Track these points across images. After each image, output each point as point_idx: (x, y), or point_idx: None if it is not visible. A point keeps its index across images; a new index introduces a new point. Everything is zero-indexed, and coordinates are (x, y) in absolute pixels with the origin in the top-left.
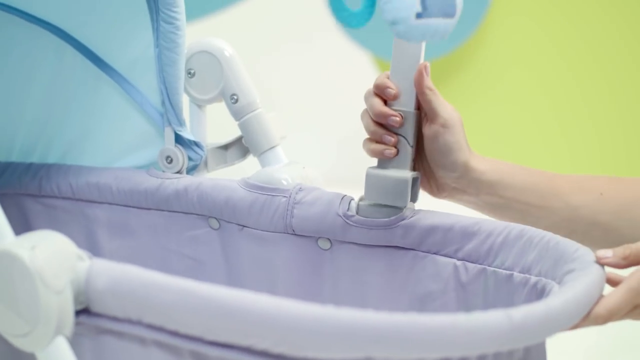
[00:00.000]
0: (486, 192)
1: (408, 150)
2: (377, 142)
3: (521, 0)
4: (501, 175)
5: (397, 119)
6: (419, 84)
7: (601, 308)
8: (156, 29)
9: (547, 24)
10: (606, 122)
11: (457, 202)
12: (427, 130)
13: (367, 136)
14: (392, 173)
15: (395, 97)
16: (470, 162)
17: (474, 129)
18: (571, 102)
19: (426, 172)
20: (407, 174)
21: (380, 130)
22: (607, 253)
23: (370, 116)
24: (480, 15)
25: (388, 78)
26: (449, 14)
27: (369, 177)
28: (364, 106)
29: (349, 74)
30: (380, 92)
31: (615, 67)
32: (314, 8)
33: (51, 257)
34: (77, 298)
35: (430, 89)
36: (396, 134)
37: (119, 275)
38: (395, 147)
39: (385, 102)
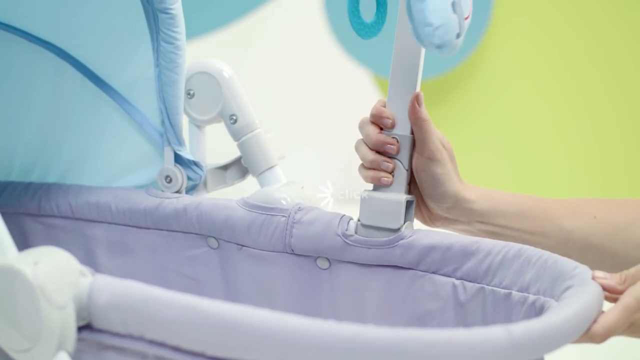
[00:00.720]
0: (478, 220)
1: (403, 174)
2: (374, 169)
3: (520, 18)
4: (492, 204)
5: (394, 146)
6: (413, 116)
7: (599, 327)
8: (156, 49)
9: (546, 43)
10: (609, 141)
11: (452, 230)
12: (416, 161)
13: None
14: (387, 196)
15: (392, 127)
16: (460, 193)
17: (473, 145)
18: (573, 114)
19: (418, 201)
20: (402, 197)
21: (378, 158)
22: (604, 275)
23: (366, 144)
24: (480, 33)
25: (384, 106)
26: (464, 28)
27: (364, 200)
28: (355, 122)
29: (349, 92)
30: (377, 121)
31: (616, 88)
32: (314, 26)
33: (54, 272)
34: (79, 314)
35: (424, 120)
36: (392, 157)
37: (120, 291)
38: (392, 173)
39: (381, 129)
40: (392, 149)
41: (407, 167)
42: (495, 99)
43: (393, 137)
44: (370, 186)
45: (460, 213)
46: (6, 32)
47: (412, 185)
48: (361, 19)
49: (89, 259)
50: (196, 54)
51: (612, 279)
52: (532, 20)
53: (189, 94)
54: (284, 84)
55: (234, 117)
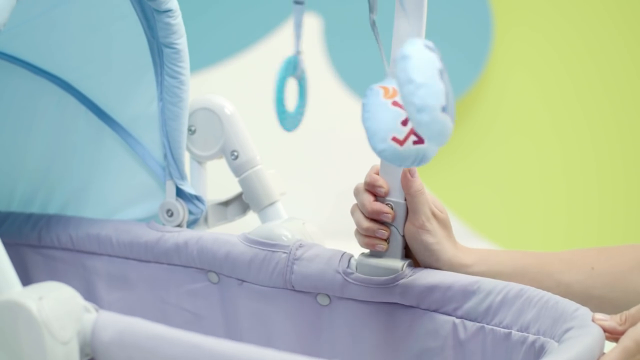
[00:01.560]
0: None
1: (399, 239)
2: (369, 236)
3: (520, 51)
4: (488, 266)
5: (390, 214)
6: (405, 187)
7: None
8: (160, 83)
9: (546, 75)
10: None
11: None
12: (407, 229)
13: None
14: (383, 262)
15: (386, 195)
16: (455, 259)
17: (473, 179)
18: (576, 146)
19: (414, 263)
20: (398, 263)
21: (373, 226)
22: (604, 317)
23: (361, 212)
24: (480, 66)
25: (377, 173)
26: (454, 119)
27: (360, 266)
28: (360, 158)
29: (349, 127)
30: (371, 189)
31: (624, 124)
32: (314, 61)
33: (58, 308)
34: (83, 349)
35: (416, 191)
36: (387, 224)
37: (125, 328)
38: (387, 240)
39: (376, 196)
40: (387, 217)
41: (402, 232)
42: (495, 130)
43: (388, 204)
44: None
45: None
46: (11, 64)
47: (407, 249)
48: (284, 108)
49: (88, 292)
50: (195, 87)
51: (612, 320)
52: (532, 52)
53: (190, 130)
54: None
55: (236, 153)
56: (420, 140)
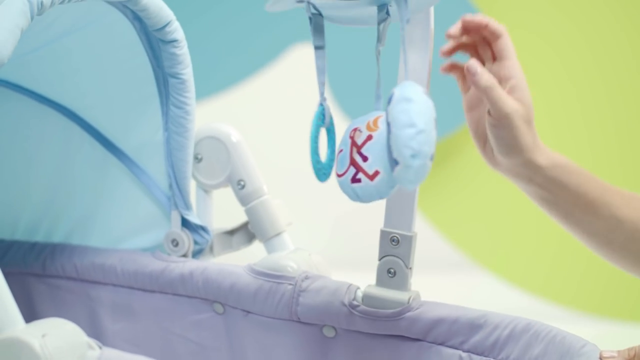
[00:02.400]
0: (539, 185)
1: (405, 272)
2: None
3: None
4: (559, 174)
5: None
6: (477, 87)
7: None
8: (166, 113)
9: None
10: None
11: (509, 180)
12: (488, 121)
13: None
14: (390, 294)
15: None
16: (529, 155)
17: (480, 204)
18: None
19: (486, 148)
20: (405, 295)
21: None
22: (612, 353)
23: None
24: None
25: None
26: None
27: (367, 298)
28: None
29: None
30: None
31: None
32: (313, 91)
33: (62, 345)
34: None
35: (485, 87)
36: (394, 255)
37: None
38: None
39: None
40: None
41: (409, 265)
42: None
43: (394, 237)
44: (372, 278)
45: (524, 173)
46: (15, 92)
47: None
48: (319, 158)
49: (92, 321)
50: (201, 114)
51: (620, 357)
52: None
53: (197, 158)
54: (285, 151)
55: (242, 183)
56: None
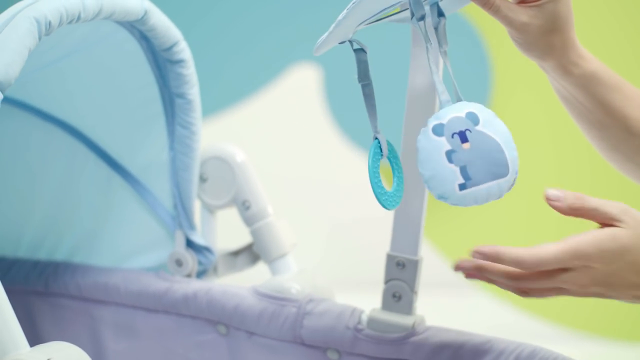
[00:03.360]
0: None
1: (410, 296)
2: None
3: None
4: (599, 73)
5: None
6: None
7: (529, 255)
8: (171, 133)
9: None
10: None
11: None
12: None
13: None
14: (395, 318)
15: None
16: (555, 61)
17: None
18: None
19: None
20: (410, 320)
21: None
22: (558, 194)
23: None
24: None
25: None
26: (500, 174)
27: (371, 322)
28: (361, 208)
29: (347, 176)
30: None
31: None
32: (313, 112)
33: None
34: None
35: (491, 5)
36: (399, 280)
37: None
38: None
39: None
40: None
41: (415, 289)
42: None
43: (400, 261)
44: (377, 301)
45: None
46: (21, 110)
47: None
48: (383, 189)
49: (95, 341)
50: (206, 133)
51: (564, 200)
52: (530, 105)
53: (202, 178)
54: (285, 170)
55: (247, 204)
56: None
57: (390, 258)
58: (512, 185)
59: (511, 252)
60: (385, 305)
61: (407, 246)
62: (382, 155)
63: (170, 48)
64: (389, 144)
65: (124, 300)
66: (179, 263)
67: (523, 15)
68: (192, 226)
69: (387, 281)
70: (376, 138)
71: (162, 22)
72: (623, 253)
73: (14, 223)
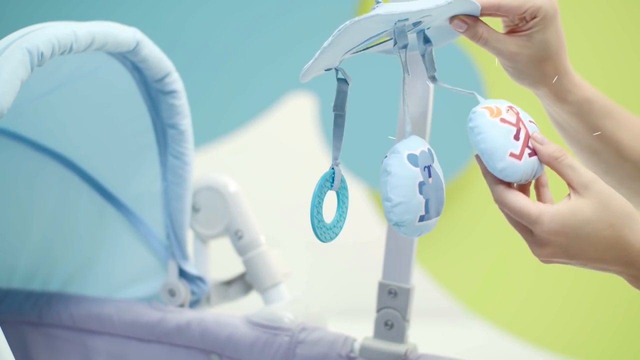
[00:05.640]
0: (573, 108)
1: (403, 325)
2: None
3: None
4: (592, 99)
5: None
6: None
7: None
8: (164, 163)
9: None
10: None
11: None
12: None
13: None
14: (387, 347)
15: None
16: (546, 89)
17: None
18: None
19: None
20: (402, 347)
21: None
22: (543, 138)
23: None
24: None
25: None
26: (439, 212)
27: (364, 350)
28: (359, 236)
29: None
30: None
31: None
32: (308, 141)
33: None
34: None
35: (480, 38)
36: (391, 308)
37: None
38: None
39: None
40: None
41: (407, 318)
42: (492, 208)
43: (392, 289)
44: (369, 328)
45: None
46: (13, 142)
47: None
48: (322, 220)
49: None
50: (198, 163)
51: (546, 146)
52: None
53: (194, 208)
54: (279, 199)
55: (240, 233)
56: (533, 152)
57: (382, 286)
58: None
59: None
60: (378, 334)
61: (399, 274)
62: (332, 187)
63: (162, 79)
64: (342, 179)
65: (118, 330)
66: (172, 293)
67: (512, 45)
68: (184, 256)
69: (379, 309)
70: (332, 168)
71: (154, 53)
72: (581, 227)
73: (8, 253)
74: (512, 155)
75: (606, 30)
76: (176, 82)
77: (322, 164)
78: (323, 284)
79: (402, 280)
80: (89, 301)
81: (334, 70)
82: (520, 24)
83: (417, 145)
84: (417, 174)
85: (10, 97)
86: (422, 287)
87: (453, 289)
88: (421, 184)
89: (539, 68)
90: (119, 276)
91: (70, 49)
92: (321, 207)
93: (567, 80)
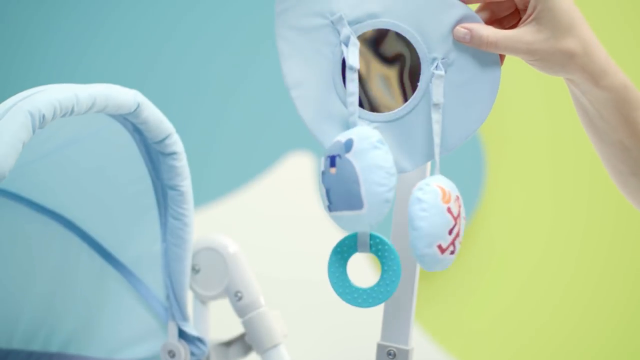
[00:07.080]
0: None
1: None
2: None
3: (513, 188)
4: (629, 86)
5: None
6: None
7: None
8: (164, 224)
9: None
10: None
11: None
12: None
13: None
14: None
15: None
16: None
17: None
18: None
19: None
20: None
21: None
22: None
23: None
24: (475, 200)
25: None
26: (353, 206)
27: None
28: None
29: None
30: None
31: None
32: (305, 199)
33: None
34: None
35: (489, 45)
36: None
37: None
38: None
39: None
40: None
41: None
42: (489, 271)
43: (390, 350)
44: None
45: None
46: (14, 202)
47: None
48: (349, 284)
49: None
50: (198, 223)
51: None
52: (524, 198)
53: (194, 269)
54: (281, 256)
55: (240, 294)
56: (454, 251)
57: (380, 348)
58: (378, 220)
59: None
60: None
61: (398, 335)
62: (356, 250)
63: (162, 140)
64: (378, 237)
65: None
66: (171, 354)
67: (524, 35)
68: (184, 317)
69: None
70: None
71: (155, 115)
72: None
73: (8, 314)
74: (439, 247)
75: (606, 30)
76: (177, 143)
77: (322, 224)
78: (323, 346)
79: (401, 342)
80: None
81: None
82: (522, 11)
83: (340, 135)
84: (321, 163)
85: (12, 160)
86: (422, 346)
87: (454, 349)
88: (322, 173)
89: (562, 47)
90: (119, 337)
91: (72, 111)
92: (341, 272)
93: (601, 59)
